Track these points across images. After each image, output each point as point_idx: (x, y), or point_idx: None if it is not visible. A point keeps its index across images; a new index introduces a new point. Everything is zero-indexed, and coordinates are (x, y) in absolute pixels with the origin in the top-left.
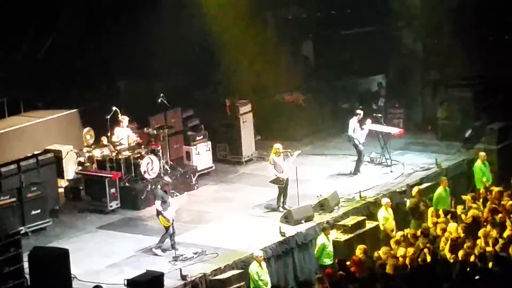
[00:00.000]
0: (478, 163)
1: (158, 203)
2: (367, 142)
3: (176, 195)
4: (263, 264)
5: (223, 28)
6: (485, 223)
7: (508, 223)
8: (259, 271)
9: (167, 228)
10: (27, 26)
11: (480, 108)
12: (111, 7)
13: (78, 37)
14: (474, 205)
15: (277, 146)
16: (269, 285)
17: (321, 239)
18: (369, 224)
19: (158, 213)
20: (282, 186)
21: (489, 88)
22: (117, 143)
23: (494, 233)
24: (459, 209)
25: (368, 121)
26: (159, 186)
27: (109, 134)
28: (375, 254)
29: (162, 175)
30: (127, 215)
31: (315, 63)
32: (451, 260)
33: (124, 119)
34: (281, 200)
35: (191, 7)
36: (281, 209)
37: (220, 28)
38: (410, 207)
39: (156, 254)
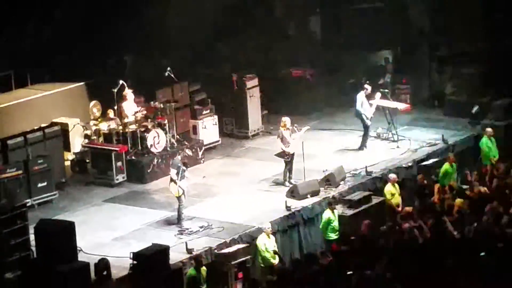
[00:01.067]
0: (484, 139)
1: (173, 171)
2: (374, 117)
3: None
4: (272, 237)
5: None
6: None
7: None
8: (267, 243)
9: (178, 199)
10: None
11: (487, 84)
12: None
13: (85, 13)
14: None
15: (285, 119)
16: (277, 258)
17: (326, 214)
18: (375, 199)
19: (171, 180)
20: (288, 160)
21: (496, 65)
22: (132, 117)
23: (500, 209)
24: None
25: (378, 95)
26: (179, 157)
27: (116, 108)
28: (381, 229)
29: (168, 148)
30: (133, 189)
31: (323, 38)
32: (457, 237)
33: (128, 93)
34: (287, 174)
35: None
36: (287, 183)
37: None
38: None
39: (182, 230)
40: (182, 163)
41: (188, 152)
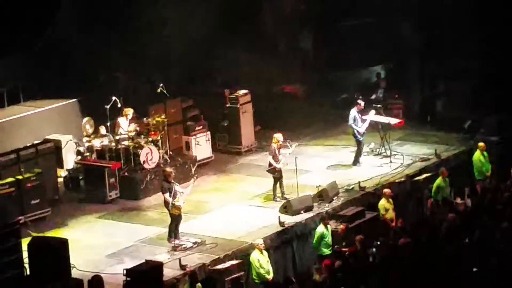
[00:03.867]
0: (477, 154)
1: (167, 195)
2: (366, 133)
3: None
4: (265, 252)
5: (221, 21)
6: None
7: None
8: (261, 259)
9: (176, 217)
10: (25, 18)
11: (479, 99)
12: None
13: (77, 28)
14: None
15: (277, 135)
16: (271, 274)
17: (320, 229)
18: (368, 215)
19: (167, 204)
20: (277, 176)
21: (488, 80)
22: (127, 134)
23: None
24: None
25: (372, 111)
26: (162, 178)
27: (109, 124)
28: (374, 244)
29: (161, 164)
30: (126, 205)
31: (314, 54)
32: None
33: (129, 111)
34: (277, 190)
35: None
36: (277, 199)
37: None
38: None
39: (176, 247)
40: (168, 182)
41: (168, 169)
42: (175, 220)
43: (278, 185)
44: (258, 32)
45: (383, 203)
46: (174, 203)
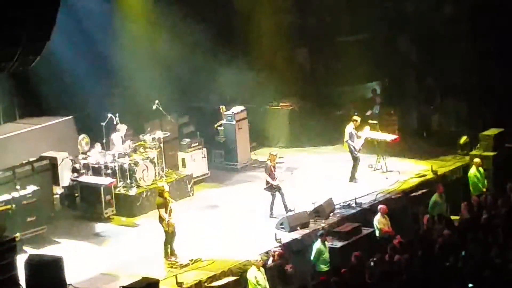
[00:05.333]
0: (473, 170)
1: (162, 211)
2: (362, 149)
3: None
4: (262, 269)
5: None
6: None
7: None
8: (258, 276)
9: (171, 234)
10: (20, 34)
11: (475, 115)
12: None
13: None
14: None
15: (273, 153)
16: None
17: (317, 245)
18: (365, 231)
19: (162, 220)
20: (274, 193)
21: (484, 95)
22: (121, 150)
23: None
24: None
25: (366, 128)
26: (158, 194)
27: (104, 141)
28: (370, 260)
29: (157, 181)
30: (122, 222)
31: (310, 69)
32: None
33: (122, 127)
34: (273, 207)
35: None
36: (274, 215)
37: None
38: None
39: (172, 264)
40: (163, 198)
41: (165, 186)
42: (170, 237)
43: (277, 199)
44: (254, 47)
45: (378, 219)
46: (169, 220)
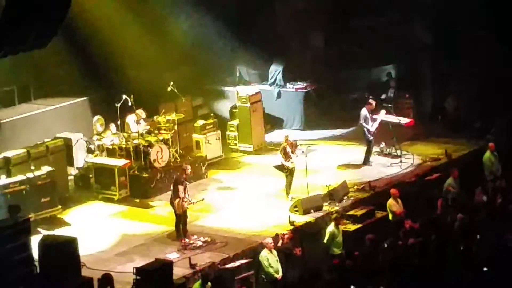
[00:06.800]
0: (487, 154)
1: (181, 188)
2: (377, 133)
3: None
4: (274, 251)
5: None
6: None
7: None
8: (269, 258)
9: (181, 216)
10: (36, 16)
11: (490, 100)
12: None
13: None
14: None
15: (287, 135)
16: (280, 273)
17: (330, 228)
18: (379, 214)
19: (173, 202)
20: (287, 174)
21: (499, 80)
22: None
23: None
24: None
25: (382, 111)
26: (178, 173)
27: (119, 122)
28: (383, 244)
29: (171, 163)
30: (136, 204)
31: (326, 53)
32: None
33: (142, 114)
34: (289, 189)
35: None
36: (290, 197)
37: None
38: None
39: (186, 246)
40: (183, 179)
41: (188, 167)
42: (180, 218)
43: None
44: (269, 30)
45: (391, 203)
46: (183, 201)
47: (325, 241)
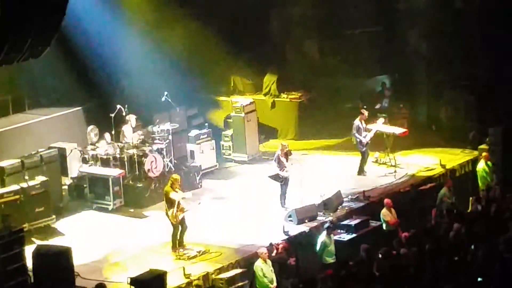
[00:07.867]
0: (481, 164)
1: (173, 197)
2: (371, 142)
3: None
4: (268, 261)
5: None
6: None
7: None
8: (264, 268)
9: (177, 226)
10: (30, 26)
11: (484, 109)
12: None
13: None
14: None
15: (284, 144)
16: (274, 283)
17: (322, 238)
18: (373, 224)
19: (168, 212)
20: (282, 183)
21: (494, 89)
22: (132, 142)
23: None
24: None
25: (379, 120)
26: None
27: (113, 132)
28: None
29: (165, 173)
30: (130, 214)
31: (319, 62)
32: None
33: (131, 118)
34: (284, 198)
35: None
36: (285, 206)
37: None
38: None
39: (180, 255)
40: (172, 186)
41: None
42: (176, 228)
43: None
44: (264, 39)
45: (385, 213)
46: (177, 212)
47: (317, 250)
